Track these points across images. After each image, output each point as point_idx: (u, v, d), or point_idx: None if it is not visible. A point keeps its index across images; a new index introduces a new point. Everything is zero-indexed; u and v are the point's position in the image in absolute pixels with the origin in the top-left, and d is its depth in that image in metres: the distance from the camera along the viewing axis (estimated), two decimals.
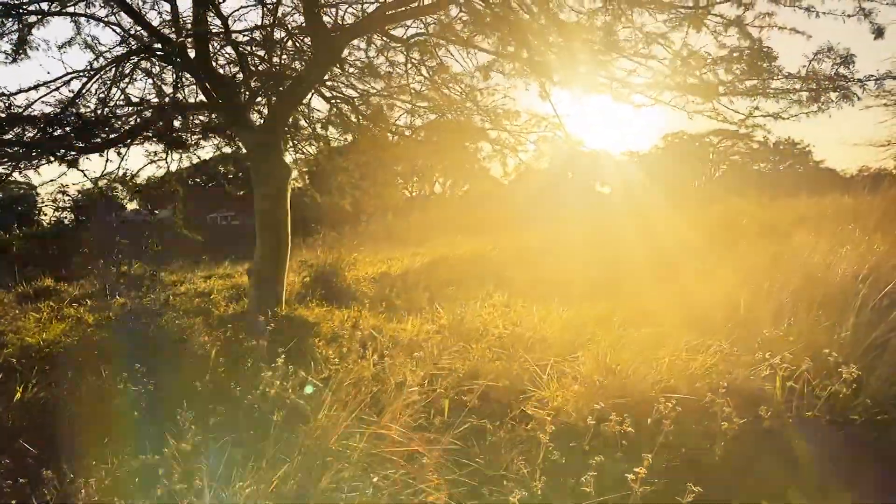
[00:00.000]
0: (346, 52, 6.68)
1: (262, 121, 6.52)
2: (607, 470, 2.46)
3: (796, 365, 2.79)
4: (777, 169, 37.61)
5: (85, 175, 5.28)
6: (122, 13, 5.20)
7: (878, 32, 5.52)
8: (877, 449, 2.54)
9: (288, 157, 8.96)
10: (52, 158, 4.71)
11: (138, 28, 5.32)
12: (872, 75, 4.30)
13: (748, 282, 4.94)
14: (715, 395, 2.70)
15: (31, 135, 4.62)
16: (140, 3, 5.26)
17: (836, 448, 2.51)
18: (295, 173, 9.41)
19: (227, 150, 8.03)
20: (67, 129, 5.31)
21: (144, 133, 5.28)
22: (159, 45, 5.46)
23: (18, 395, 3.14)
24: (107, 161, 5.15)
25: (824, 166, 36.93)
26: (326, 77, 6.95)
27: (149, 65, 6.32)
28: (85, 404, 3.23)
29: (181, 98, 6.27)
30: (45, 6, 5.52)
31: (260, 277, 5.31)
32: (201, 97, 6.05)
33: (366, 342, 4.23)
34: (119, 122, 5.17)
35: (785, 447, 2.53)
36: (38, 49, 5.81)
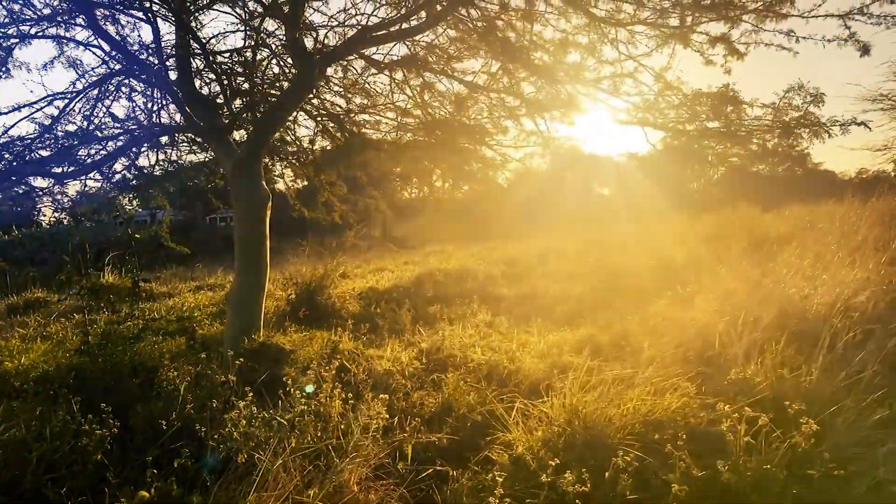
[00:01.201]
0: (330, 70, 6.66)
1: (244, 139, 6.50)
2: None
3: (759, 413, 2.78)
4: (776, 171, 37.51)
5: (57, 202, 5.27)
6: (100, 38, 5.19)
7: (864, 50, 5.50)
8: None
9: (276, 170, 8.95)
10: (26, 186, 4.71)
11: (117, 52, 5.31)
12: (838, 120, 4.29)
13: (727, 310, 4.91)
14: (674, 447, 2.68)
15: (5, 161, 4.62)
16: (118, 28, 5.24)
17: None
18: (282, 186, 9.40)
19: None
20: (48, 152, 5.29)
21: (121, 162, 5.26)
22: (138, 68, 5.44)
23: None
24: (84, 187, 5.15)
25: (823, 168, 36.91)
26: (311, 95, 6.92)
27: (131, 83, 6.30)
28: (50, 446, 3.21)
29: (165, 119, 6.25)
30: (25, 28, 5.51)
31: (237, 304, 5.29)
32: (181, 117, 6.04)
33: (339, 375, 4.22)
34: (99, 146, 5.15)
35: None
36: (21, 68, 5.81)
